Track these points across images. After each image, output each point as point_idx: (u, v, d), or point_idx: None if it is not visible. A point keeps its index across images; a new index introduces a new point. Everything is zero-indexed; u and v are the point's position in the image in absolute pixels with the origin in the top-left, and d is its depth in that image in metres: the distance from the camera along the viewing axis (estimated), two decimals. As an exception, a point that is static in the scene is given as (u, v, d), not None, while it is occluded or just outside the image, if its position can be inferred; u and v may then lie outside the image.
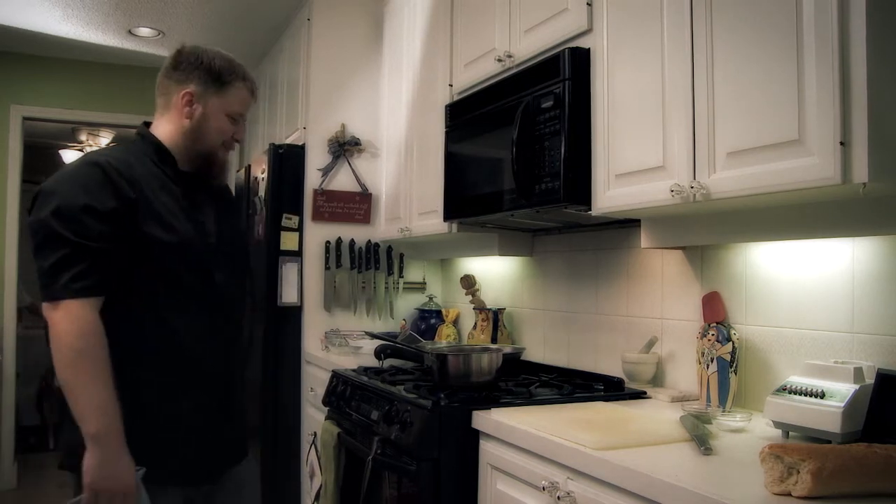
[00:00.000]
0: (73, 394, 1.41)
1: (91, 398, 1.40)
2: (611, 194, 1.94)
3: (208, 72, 1.71)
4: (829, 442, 1.46)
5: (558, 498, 1.53)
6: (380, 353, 2.55)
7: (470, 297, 3.13)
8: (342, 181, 3.57)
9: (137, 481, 1.45)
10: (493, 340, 2.95)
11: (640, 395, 2.12)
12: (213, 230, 1.71)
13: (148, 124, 1.76)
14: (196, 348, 1.61)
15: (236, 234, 1.85)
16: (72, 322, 1.41)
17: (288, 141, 3.77)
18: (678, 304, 2.21)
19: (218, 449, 1.69)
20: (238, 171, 4.18)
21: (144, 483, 1.47)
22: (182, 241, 1.60)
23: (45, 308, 1.44)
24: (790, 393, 1.59)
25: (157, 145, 1.69)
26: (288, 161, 3.49)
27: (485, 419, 1.85)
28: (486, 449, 1.86)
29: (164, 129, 1.72)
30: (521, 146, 2.14)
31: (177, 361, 1.59)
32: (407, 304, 3.68)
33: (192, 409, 1.61)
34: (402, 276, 3.66)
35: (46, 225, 1.46)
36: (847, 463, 1.16)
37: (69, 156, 6.86)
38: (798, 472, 1.16)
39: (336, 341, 3.23)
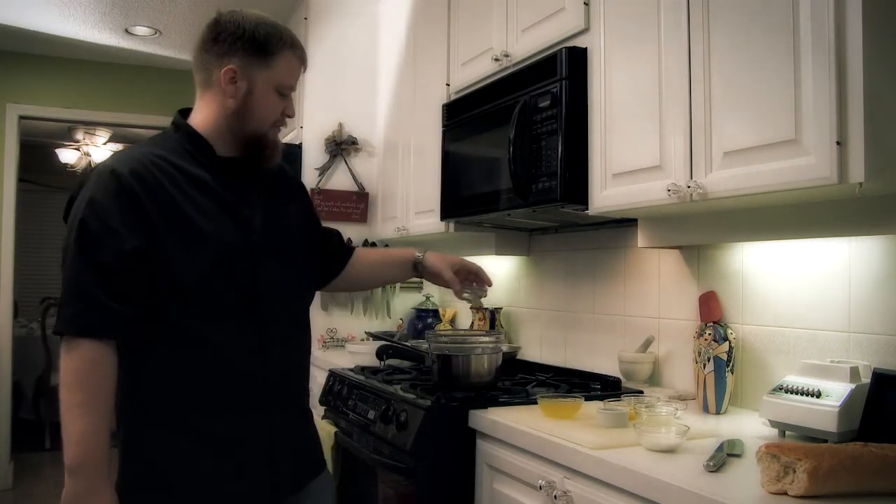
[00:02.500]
0: (62, 422, 1.31)
1: (72, 429, 1.29)
2: (608, 194, 1.94)
3: (252, 42, 1.45)
4: (826, 441, 1.46)
5: (555, 497, 1.53)
6: (381, 354, 2.55)
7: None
8: (339, 180, 3.57)
9: None
10: (490, 340, 2.95)
11: (636, 395, 2.12)
12: (261, 224, 1.49)
13: (185, 112, 1.53)
14: (243, 363, 1.43)
15: (292, 223, 1.61)
16: (70, 357, 1.31)
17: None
18: (675, 304, 2.22)
19: (286, 472, 1.49)
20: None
21: None
22: (216, 245, 1.41)
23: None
24: (786, 392, 1.60)
25: (191, 135, 1.47)
26: (285, 160, 3.36)
27: (481, 418, 1.85)
28: (483, 448, 1.86)
29: (204, 113, 1.49)
30: (518, 145, 2.14)
31: (219, 380, 1.41)
32: (404, 304, 3.68)
33: (244, 432, 1.43)
34: (400, 276, 3.65)
35: (66, 249, 1.35)
36: (843, 462, 1.17)
37: (66, 155, 6.86)
38: (794, 472, 1.16)
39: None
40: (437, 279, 1.90)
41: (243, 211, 1.47)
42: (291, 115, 1.54)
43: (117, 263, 1.31)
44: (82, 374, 1.29)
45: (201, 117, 1.49)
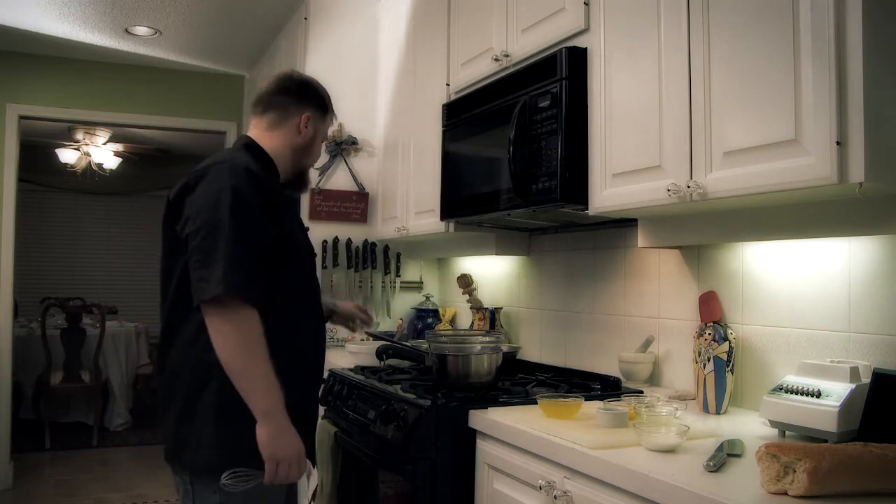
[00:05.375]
0: (243, 377, 1.53)
1: (260, 380, 1.53)
2: (607, 194, 1.94)
3: (321, 100, 1.90)
4: (826, 441, 1.46)
5: (555, 497, 1.53)
6: (381, 354, 2.55)
7: (467, 297, 3.13)
8: (339, 180, 3.57)
9: None
10: (490, 340, 2.95)
11: (636, 395, 2.12)
12: (307, 237, 1.89)
13: (244, 137, 1.87)
14: (313, 345, 1.81)
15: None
16: (241, 319, 1.54)
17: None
18: (675, 304, 2.22)
19: (310, 438, 1.87)
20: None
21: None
22: (303, 248, 1.82)
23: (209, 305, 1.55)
24: (786, 392, 1.60)
25: (270, 164, 1.81)
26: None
27: (481, 418, 1.85)
28: (483, 448, 1.86)
29: (275, 142, 1.83)
30: (518, 145, 2.14)
31: (303, 356, 1.77)
32: (404, 304, 3.68)
33: (312, 405, 1.87)
34: (399, 276, 3.66)
35: (215, 225, 1.57)
36: (843, 462, 1.17)
37: (66, 155, 6.86)
38: (794, 472, 1.16)
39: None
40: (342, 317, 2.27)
41: (303, 226, 1.89)
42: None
43: (261, 242, 1.60)
44: (257, 335, 1.54)
45: (273, 146, 1.83)
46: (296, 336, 1.73)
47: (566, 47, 2.06)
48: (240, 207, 1.57)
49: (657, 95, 1.77)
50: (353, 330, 2.29)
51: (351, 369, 2.59)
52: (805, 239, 1.73)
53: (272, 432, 1.54)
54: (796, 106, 1.41)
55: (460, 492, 1.88)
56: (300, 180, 1.94)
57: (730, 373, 1.88)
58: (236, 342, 1.53)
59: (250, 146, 1.79)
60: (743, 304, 1.98)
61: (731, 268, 2.03)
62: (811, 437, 1.53)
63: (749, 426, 1.73)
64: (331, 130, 3.53)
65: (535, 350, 2.87)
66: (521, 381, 2.31)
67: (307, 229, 1.99)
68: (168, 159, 7.57)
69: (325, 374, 2.65)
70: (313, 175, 3.49)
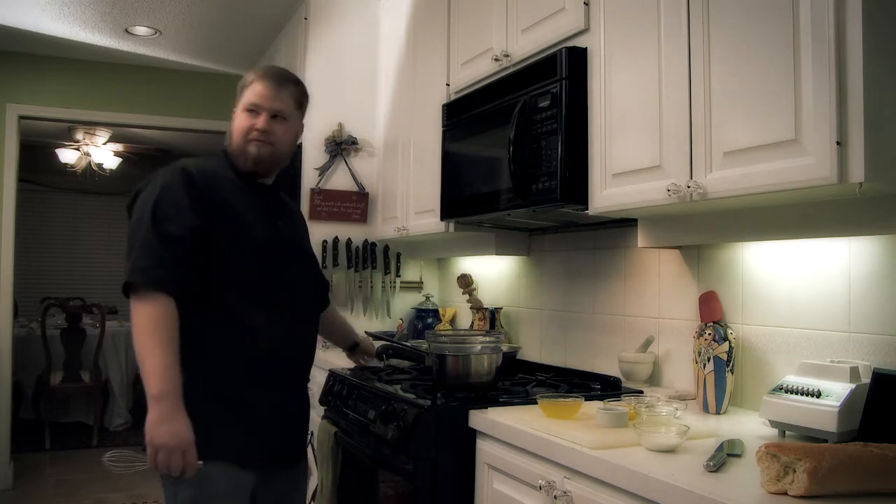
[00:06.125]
0: (140, 360, 1.59)
1: (153, 363, 1.57)
2: (607, 194, 1.94)
3: (239, 84, 1.89)
4: (826, 441, 1.46)
5: (555, 497, 1.53)
6: (381, 354, 2.55)
7: (467, 297, 3.13)
8: (339, 180, 3.57)
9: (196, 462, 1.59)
10: (490, 340, 2.95)
11: (636, 395, 2.12)
12: (284, 228, 1.88)
13: None
14: (281, 343, 1.79)
15: (305, 238, 2.03)
16: (147, 305, 1.61)
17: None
18: (675, 304, 2.22)
19: (295, 439, 1.89)
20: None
21: (228, 462, 1.68)
22: (262, 242, 1.78)
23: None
24: (786, 392, 1.60)
25: (232, 161, 1.86)
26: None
27: (481, 418, 1.85)
28: (484, 448, 1.86)
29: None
30: (518, 145, 2.14)
31: (255, 354, 1.75)
32: (404, 304, 3.68)
33: (275, 399, 1.79)
34: (399, 276, 3.66)
35: (138, 222, 1.68)
36: (843, 462, 1.17)
37: (66, 155, 6.86)
38: (794, 472, 1.16)
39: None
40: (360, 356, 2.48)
41: (275, 220, 1.86)
42: (261, 128, 1.81)
43: (181, 234, 1.64)
44: (159, 319, 1.59)
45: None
46: (243, 328, 1.73)
47: (566, 47, 2.06)
48: (163, 202, 1.66)
49: (657, 95, 1.77)
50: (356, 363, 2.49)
51: (351, 369, 2.58)
52: (805, 239, 1.73)
53: (154, 418, 1.55)
54: (796, 106, 1.41)
55: (460, 492, 1.88)
56: (243, 164, 1.84)
57: (730, 373, 1.88)
58: (139, 327, 1.59)
59: (224, 151, 1.89)
60: (743, 304, 1.98)
61: (731, 268, 2.03)
62: (811, 437, 1.53)
63: (749, 426, 1.73)
64: (331, 130, 3.58)
65: (535, 350, 2.87)
66: (521, 381, 2.31)
67: (299, 225, 2.02)
68: (168, 159, 7.52)
69: (326, 375, 2.66)
70: (313, 175, 3.50)
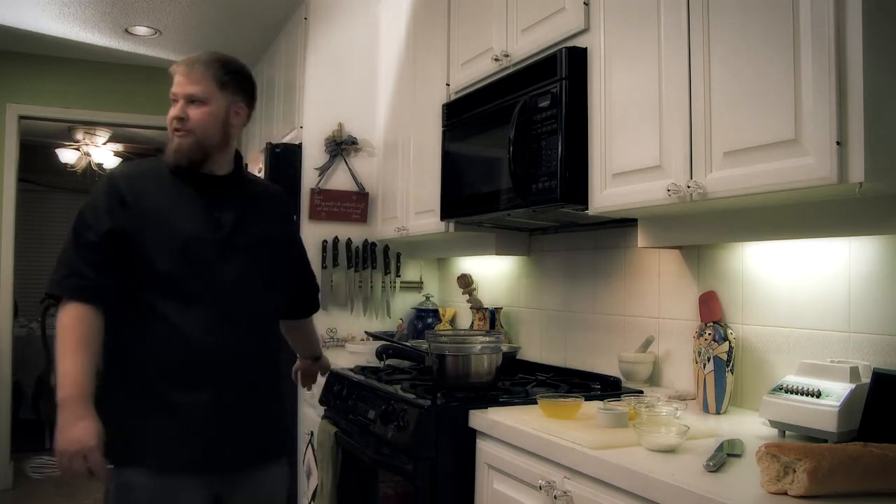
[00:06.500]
0: (57, 366, 1.60)
1: (62, 370, 1.58)
2: (607, 194, 1.94)
3: None
4: (826, 441, 1.46)
5: (555, 497, 1.53)
6: (381, 354, 2.55)
7: (467, 297, 3.13)
8: (339, 180, 3.56)
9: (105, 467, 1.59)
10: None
11: (636, 395, 2.12)
12: (231, 227, 1.77)
13: None
14: (202, 341, 1.69)
15: (269, 235, 1.87)
16: (61, 314, 1.64)
17: (285, 140, 3.77)
18: (675, 304, 2.22)
19: (236, 444, 1.75)
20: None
21: (153, 470, 1.64)
22: (182, 236, 1.70)
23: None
24: (786, 392, 1.60)
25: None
26: (285, 160, 3.49)
27: (481, 418, 1.85)
28: (483, 448, 1.86)
29: None
30: (518, 145, 2.14)
31: (176, 353, 1.68)
32: (404, 304, 3.68)
33: (202, 402, 1.69)
34: (399, 276, 3.66)
35: (68, 237, 1.70)
36: (843, 462, 1.17)
37: (66, 155, 6.86)
38: (794, 472, 1.16)
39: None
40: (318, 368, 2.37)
41: (214, 214, 1.76)
42: (172, 116, 1.77)
43: (97, 240, 1.65)
44: (70, 327, 1.61)
45: None
46: (165, 329, 1.68)
47: (566, 47, 2.06)
48: (85, 213, 1.69)
49: (657, 95, 1.77)
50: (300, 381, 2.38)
51: (351, 369, 2.59)
52: (805, 239, 1.73)
53: (60, 424, 1.56)
54: (796, 106, 1.41)
55: (460, 492, 1.88)
56: (180, 162, 1.77)
57: (730, 373, 1.88)
58: (57, 334, 1.62)
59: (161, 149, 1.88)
60: (743, 304, 1.98)
61: (731, 268, 2.03)
62: (811, 437, 1.53)
63: (749, 426, 1.73)
64: (331, 130, 3.58)
65: (535, 350, 2.87)
66: (521, 381, 2.31)
67: (269, 219, 1.88)
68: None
69: (327, 375, 2.65)
70: (313, 175, 3.50)
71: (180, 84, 1.75)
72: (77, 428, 1.54)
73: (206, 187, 1.78)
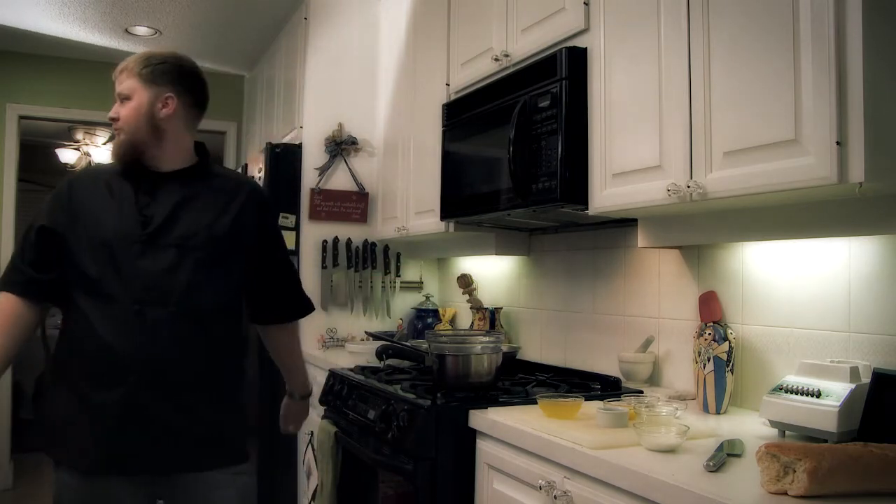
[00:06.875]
0: None
1: None
2: (607, 194, 1.94)
3: None
4: (826, 441, 1.46)
5: (555, 497, 1.53)
6: (381, 354, 2.55)
7: (467, 297, 3.13)
8: (339, 180, 3.56)
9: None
10: (490, 340, 2.95)
11: (636, 395, 2.12)
12: (162, 223, 1.71)
13: None
14: (117, 339, 1.66)
15: (217, 230, 1.76)
16: None
17: (285, 140, 3.77)
18: (675, 304, 2.22)
19: (164, 446, 1.68)
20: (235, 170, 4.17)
21: (74, 469, 1.67)
22: (106, 235, 1.70)
23: None
24: (786, 392, 1.60)
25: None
26: (285, 160, 3.49)
27: (482, 418, 1.85)
28: (483, 448, 1.86)
29: None
30: (518, 145, 2.14)
31: (93, 351, 1.68)
32: (404, 304, 3.68)
33: (116, 401, 1.65)
34: (399, 276, 3.66)
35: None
36: (843, 462, 1.17)
37: (66, 155, 6.86)
38: (794, 472, 1.16)
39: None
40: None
41: (144, 211, 1.73)
42: (108, 117, 1.85)
43: (34, 237, 1.75)
44: None
45: None
46: (85, 327, 1.68)
47: (566, 47, 2.06)
48: (33, 220, 1.79)
49: (657, 95, 1.77)
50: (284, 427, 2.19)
51: (351, 369, 2.59)
52: (805, 239, 1.73)
53: None
54: (796, 106, 1.41)
55: (460, 492, 1.88)
56: (119, 160, 1.80)
57: (730, 373, 1.88)
58: None
59: None
60: (743, 304, 1.98)
61: (731, 268, 2.03)
62: (811, 437, 1.53)
63: (749, 426, 1.73)
64: (331, 130, 3.58)
65: (535, 350, 2.87)
66: (521, 381, 2.31)
67: (215, 213, 1.77)
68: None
69: (326, 375, 2.65)
70: (313, 175, 3.50)
71: (116, 85, 1.84)
72: None
73: (146, 185, 1.75)
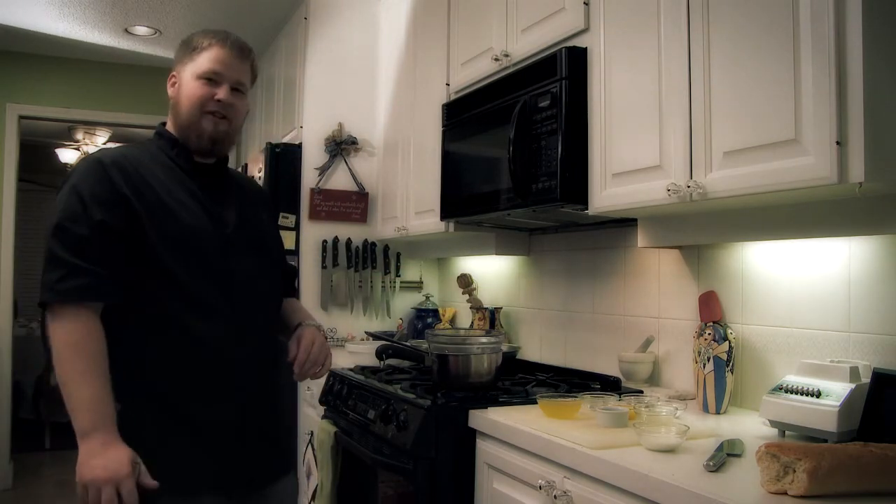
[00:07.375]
0: (63, 390, 1.37)
1: (79, 396, 1.36)
2: (607, 193, 1.94)
3: (184, 45, 1.62)
4: (826, 441, 1.46)
5: (555, 497, 1.53)
6: (381, 354, 2.55)
7: (467, 297, 3.13)
8: (339, 180, 3.56)
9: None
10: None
11: (636, 395, 2.12)
12: (234, 222, 1.60)
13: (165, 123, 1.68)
14: (219, 349, 1.52)
15: (265, 227, 1.73)
16: (62, 327, 1.39)
17: (285, 140, 3.77)
18: (675, 304, 2.22)
19: (253, 460, 1.58)
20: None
21: (174, 492, 1.44)
22: (193, 235, 1.52)
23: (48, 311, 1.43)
24: (786, 392, 1.60)
25: (171, 139, 1.61)
26: (285, 160, 3.49)
27: (481, 418, 1.85)
28: (483, 448, 1.86)
29: (169, 122, 1.64)
30: (518, 145, 2.14)
31: (196, 364, 1.50)
32: (404, 304, 3.68)
33: (233, 414, 1.53)
34: (399, 276, 3.66)
35: (49, 233, 1.45)
36: (843, 462, 1.17)
37: (66, 155, 6.86)
38: (794, 472, 1.16)
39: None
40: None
41: (216, 208, 1.59)
42: (222, 100, 1.58)
43: (89, 233, 1.41)
44: (80, 341, 1.38)
45: (168, 126, 1.65)
46: (177, 334, 1.48)
47: (566, 47, 2.06)
48: (70, 206, 1.43)
49: (657, 95, 1.77)
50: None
51: (351, 369, 2.59)
52: (805, 239, 1.73)
53: (84, 455, 1.34)
54: (796, 106, 1.41)
55: (460, 492, 1.88)
56: (196, 142, 1.59)
57: (730, 373, 1.88)
58: (58, 352, 1.38)
59: (159, 132, 1.64)
60: (743, 304, 1.98)
61: (731, 268, 2.03)
62: (811, 437, 1.53)
63: (749, 426, 1.73)
64: (331, 130, 3.58)
65: (535, 350, 2.87)
66: (521, 380, 2.31)
67: (258, 208, 1.71)
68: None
69: (327, 375, 2.65)
70: (313, 175, 3.50)
71: (231, 67, 1.59)
72: (108, 454, 1.33)
73: (203, 179, 1.61)
